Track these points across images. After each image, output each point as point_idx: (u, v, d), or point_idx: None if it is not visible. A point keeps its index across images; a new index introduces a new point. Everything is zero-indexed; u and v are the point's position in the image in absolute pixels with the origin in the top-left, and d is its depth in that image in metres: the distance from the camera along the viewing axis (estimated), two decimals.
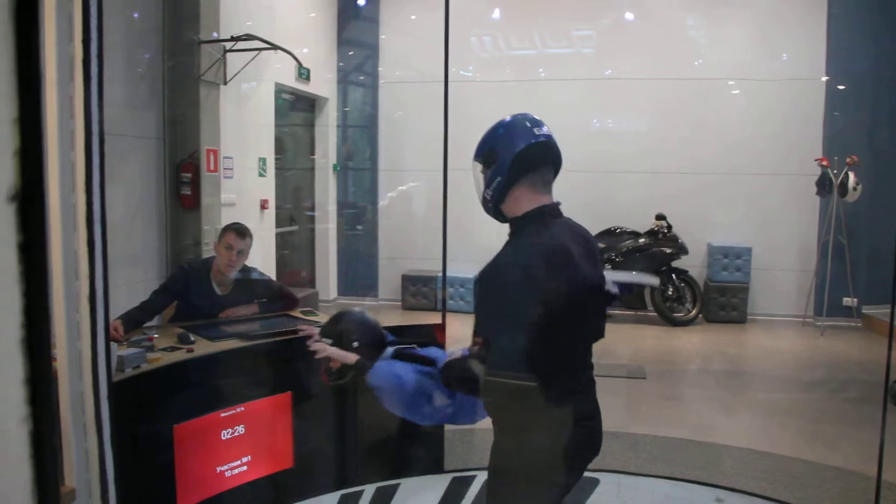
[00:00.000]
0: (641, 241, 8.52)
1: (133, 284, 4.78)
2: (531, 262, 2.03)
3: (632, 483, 3.98)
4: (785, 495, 3.90)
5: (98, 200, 2.36)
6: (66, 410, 2.38)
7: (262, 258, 7.01)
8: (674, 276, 8.52)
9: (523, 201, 2.15)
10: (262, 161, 7.34)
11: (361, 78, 9.47)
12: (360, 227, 9.58)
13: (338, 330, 2.75)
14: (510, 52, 9.06)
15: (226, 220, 5.76)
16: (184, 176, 5.69)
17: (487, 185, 2.16)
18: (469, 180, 2.28)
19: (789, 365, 7.10)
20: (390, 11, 9.27)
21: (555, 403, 2.15)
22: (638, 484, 3.97)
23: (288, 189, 8.57)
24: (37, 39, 0.57)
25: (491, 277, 2.06)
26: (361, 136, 9.62)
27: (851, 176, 7.85)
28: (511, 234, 2.18)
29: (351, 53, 9.39)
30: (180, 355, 3.16)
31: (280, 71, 7.55)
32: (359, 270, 9.44)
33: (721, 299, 8.62)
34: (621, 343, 7.58)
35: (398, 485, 3.88)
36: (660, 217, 8.50)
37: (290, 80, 7.90)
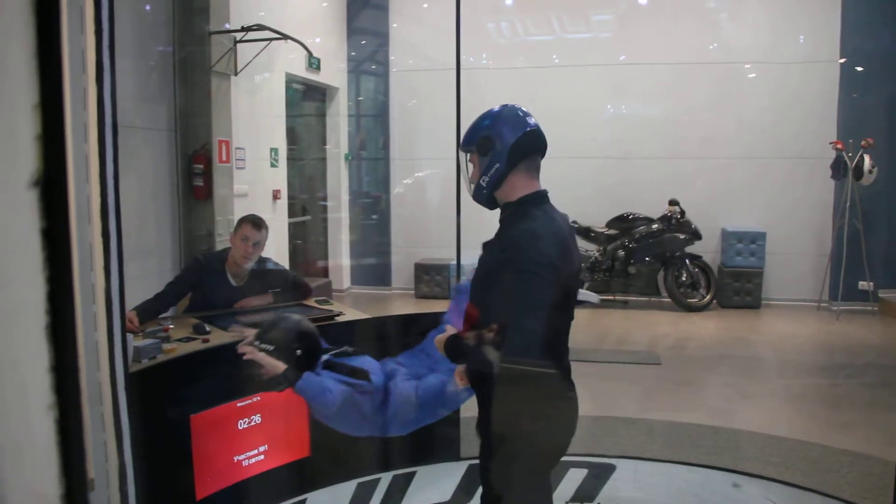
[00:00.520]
0: (654, 226, 8.49)
1: (147, 276, 4.80)
2: (552, 244, 2.11)
3: (648, 469, 3.98)
4: (802, 480, 3.88)
5: (112, 192, 2.36)
6: (83, 401, 2.39)
7: (275, 248, 7.02)
8: (687, 261, 8.48)
9: (518, 187, 2.24)
10: (274, 151, 7.35)
11: (372, 67, 9.45)
12: (372, 217, 9.58)
13: (276, 336, 2.66)
14: (523, 39, 9.02)
15: (238, 210, 5.77)
16: (196, 167, 5.70)
17: (484, 172, 2.24)
18: None
19: (805, 350, 7.06)
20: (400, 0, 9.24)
21: (564, 384, 2.25)
22: (654, 469, 3.96)
23: (300, 179, 8.58)
24: (58, 27, 0.57)
25: (518, 262, 2.08)
26: (373, 125, 9.61)
27: (867, 159, 7.77)
28: (508, 218, 2.25)
29: (362, 42, 9.37)
30: (196, 345, 3.17)
31: (291, 61, 7.55)
32: (372, 259, 9.45)
33: (735, 284, 8.58)
34: (636, 329, 7.56)
35: (414, 472, 3.88)
36: (673, 202, 8.45)
37: (301, 70, 7.90)
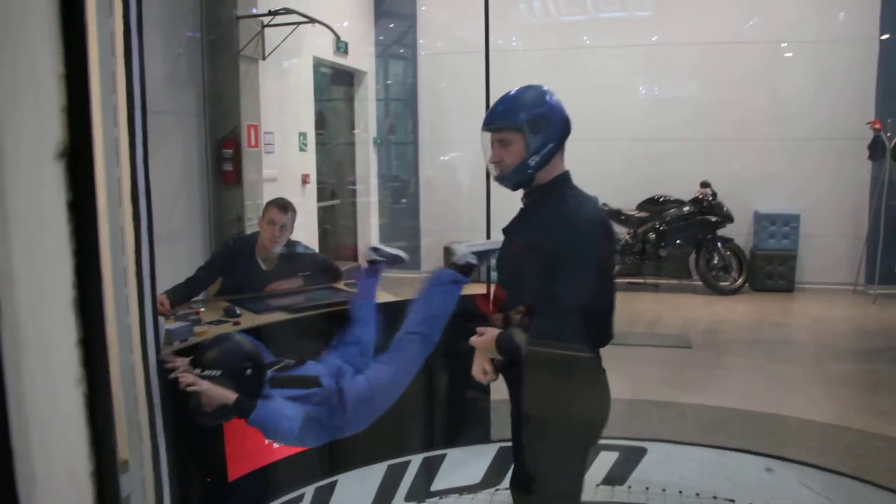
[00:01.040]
0: (686, 209, 8.38)
1: (178, 260, 4.84)
2: (601, 223, 2.18)
3: (679, 452, 3.94)
4: (837, 465, 3.82)
5: (142, 175, 2.39)
6: (116, 383, 2.42)
7: (305, 232, 7.05)
8: (719, 244, 8.37)
9: (556, 167, 2.24)
10: (303, 136, 7.36)
11: (400, 50, 9.42)
12: (402, 200, 9.59)
13: (218, 359, 2.46)
14: (553, 20, 8.92)
15: (268, 195, 5.79)
16: (225, 152, 5.73)
17: (535, 150, 2.17)
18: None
19: (840, 333, 6.95)
20: None
21: (601, 366, 2.24)
22: (686, 453, 3.93)
23: (329, 163, 8.60)
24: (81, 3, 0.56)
25: (573, 242, 2.09)
26: (401, 108, 9.60)
27: None
28: (543, 199, 2.24)
29: (390, 26, 9.34)
30: (226, 328, 3.19)
31: (318, 45, 7.54)
32: (401, 243, 9.45)
33: (768, 267, 8.45)
34: (667, 312, 7.49)
35: (445, 455, 3.89)
36: (704, 185, 8.33)
37: (329, 54, 7.89)
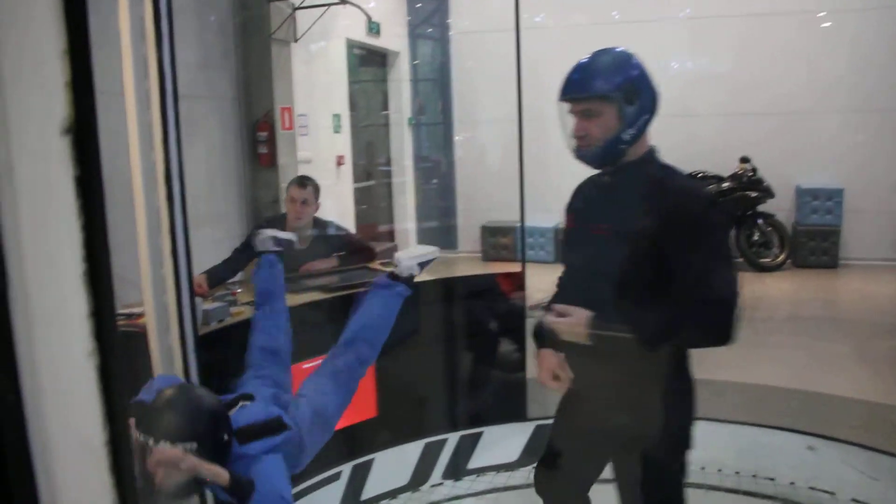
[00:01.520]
0: (725, 185, 8.23)
1: (216, 243, 4.90)
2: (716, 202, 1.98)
3: (719, 430, 3.89)
4: (883, 444, 3.74)
5: (175, 157, 2.42)
6: (156, 363, 2.47)
7: (341, 214, 7.09)
8: (760, 220, 8.21)
9: (645, 141, 2.04)
10: (337, 117, 7.39)
11: (431, 30, 9.37)
12: (437, 180, 9.58)
13: (186, 426, 1.82)
14: None
15: None
16: (260, 135, 5.78)
17: (630, 122, 1.94)
18: (547, 128, 2.20)
19: (886, 310, 6.78)
20: None
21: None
22: (725, 431, 3.87)
23: (363, 144, 8.62)
24: None
25: (698, 222, 1.89)
26: (434, 88, 9.56)
27: None
28: (633, 175, 2.01)
29: (419, 5, 9.28)
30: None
31: (350, 26, 7.53)
32: (437, 223, 9.46)
33: (811, 243, 8.28)
34: None
35: (481, 433, 3.90)
36: (744, 160, 8.17)
37: (361, 35, 7.88)
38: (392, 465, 3.69)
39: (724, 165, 8.25)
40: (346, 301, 3.53)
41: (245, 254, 3.91)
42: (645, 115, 1.96)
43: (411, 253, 2.96)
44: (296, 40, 6.11)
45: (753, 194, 8.12)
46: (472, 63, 9.10)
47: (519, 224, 4.16)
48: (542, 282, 3.03)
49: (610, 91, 1.92)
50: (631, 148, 1.98)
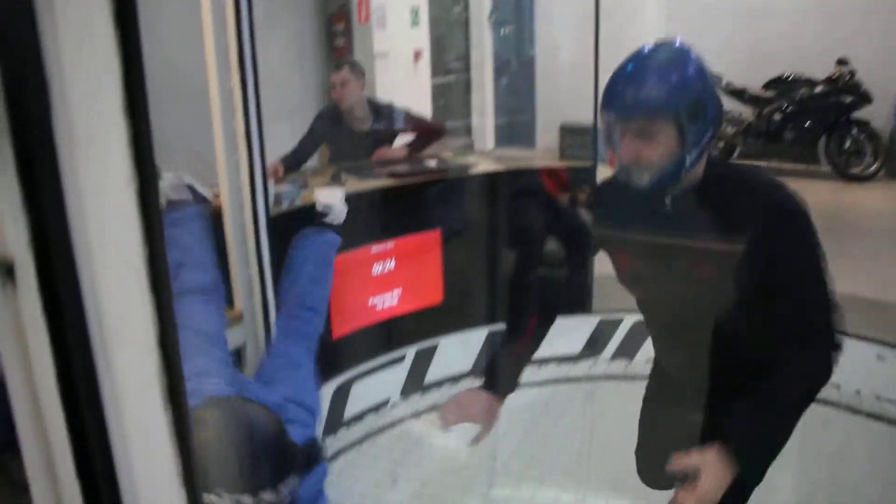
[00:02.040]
0: (818, 89, 7.77)
1: (293, 134, 5.01)
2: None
3: None
4: None
5: (248, 41, 2.47)
6: (230, 240, 2.60)
7: (419, 109, 7.06)
8: (854, 128, 7.76)
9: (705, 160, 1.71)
10: (415, 10, 7.25)
11: None
12: (517, 77, 9.39)
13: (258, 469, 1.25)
14: None
15: (379, 71, 5.82)
16: (336, 28, 5.76)
17: (693, 143, 1.60)
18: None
19: None
20: None
21: None
22: None
23: (443, 39, 8.48)
24: None
25: (796, 235, 1.67)
26: None
27: None
28: (702, 195, 1.70)
29: None
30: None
31: None
32: (516, 120, 9.33)
33: None
34: None
35: None
36: (842, 62, 7.64)
37: None
38: (456, 351, 3.78)
39: (820, 67, 7.75)
40: (414, 188, 3.59)
41: (311, 139, 4.02)
42: (708, 133, 1.62)
43: (334, 195, 2.77)
44: None
45: (848, 99, 7.65)
46: None
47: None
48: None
49: (671, 109, 1.57)
50: (694, 171, 1.67)
